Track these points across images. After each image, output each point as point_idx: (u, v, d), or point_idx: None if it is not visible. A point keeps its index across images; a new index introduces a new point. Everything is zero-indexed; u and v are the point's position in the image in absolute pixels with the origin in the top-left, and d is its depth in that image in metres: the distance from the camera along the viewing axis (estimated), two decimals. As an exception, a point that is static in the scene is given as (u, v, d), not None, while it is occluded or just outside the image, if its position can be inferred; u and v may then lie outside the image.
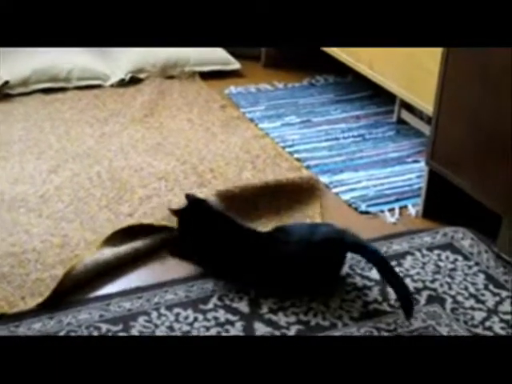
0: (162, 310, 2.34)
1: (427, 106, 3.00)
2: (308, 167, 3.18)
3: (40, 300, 2.33)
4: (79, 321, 2.28)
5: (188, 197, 2.56)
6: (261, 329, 2.28)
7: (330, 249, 2.44)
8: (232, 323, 2.30)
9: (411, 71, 3.15)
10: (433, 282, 2.52)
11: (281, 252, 2.43)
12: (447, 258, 2.64)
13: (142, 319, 2.30)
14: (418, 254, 2.65)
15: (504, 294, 2.47)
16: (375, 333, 2.28)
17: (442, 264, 2.61)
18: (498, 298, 2.45)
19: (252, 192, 2.86)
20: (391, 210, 2.92)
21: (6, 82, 3.63)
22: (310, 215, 2.83)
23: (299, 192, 2.94)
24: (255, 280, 2.47)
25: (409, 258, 2.63)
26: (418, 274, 2.55)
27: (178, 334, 2.25)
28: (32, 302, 2.33)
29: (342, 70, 3.94)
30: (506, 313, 2.39)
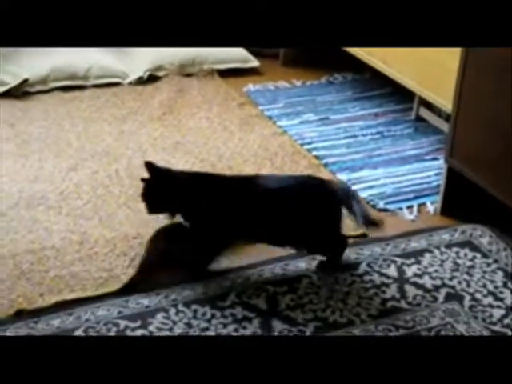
0: (180, 307, 2.35)
1: (446, 103, 2.99)
2: (326, 165, 3.18)
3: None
4: (98, 317, 2.29)
5: (148, 165, 2.48)
6: (278, 326, 2.29)
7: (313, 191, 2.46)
8: (249, 320, 2.31)
9: (430, 69, 3.14)
10: (451, 279, 2.51)
11: (266, 197, 2.44)
12: (466, 255, 2.63)
13: (160, 316, 2.31)
14: (436, 252, 2.64)
15: (523, 291, 2.47)
16: (393, 330, 2.28)
17: (460, 261, 2.60)
18: (516, 296, 2.45)
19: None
20: (409, 208, 2.92)
21: (25, 80, 3.65)
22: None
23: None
24: (246, 231, 2.48)
25: (427, 255, 2.62)
26: (436, 271, 2.55)
27: (196, 330, 2.25)
28: (51, 299, 2.34)
29: (360, 68, 3.94)
30: (524, 310, 2.39)
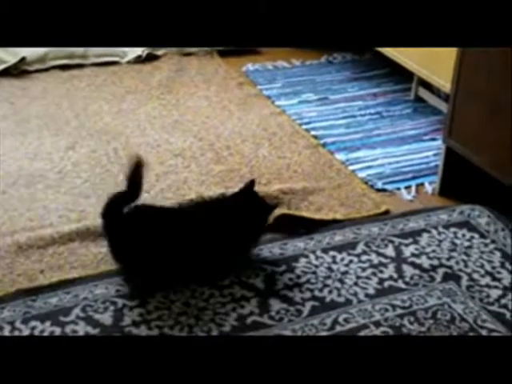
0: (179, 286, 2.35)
1: (445, 83, 2.98)
2: (325, 145, 3.18)
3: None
4: (96, 295, 2.29)
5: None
6: (276, 305, 2.29)
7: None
8: (247, 299, 2.31)
9: (429, 49, 3.13)
10: (449, 259, 2.52)
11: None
12: (463, 235, 2.63)
13: (159, 295, 2.31)
14: (434, 232, 2.64)
15: (520, 271, 2.47)
16: (390, 310, 2.29)
17: (458, 242, 2.60)
18: (513, 276, 2.45)
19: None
20: (408, 188, 2.92)
21: (23, 59, 3.64)
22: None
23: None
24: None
25: (425, 235, 2.63)
26: (434, 251, 2.55)
27: (194, 310, 2.26)
28: (52, 276, 2.35)
29: (359, 48, 3.93)
30: (521, 291, 2.39)
